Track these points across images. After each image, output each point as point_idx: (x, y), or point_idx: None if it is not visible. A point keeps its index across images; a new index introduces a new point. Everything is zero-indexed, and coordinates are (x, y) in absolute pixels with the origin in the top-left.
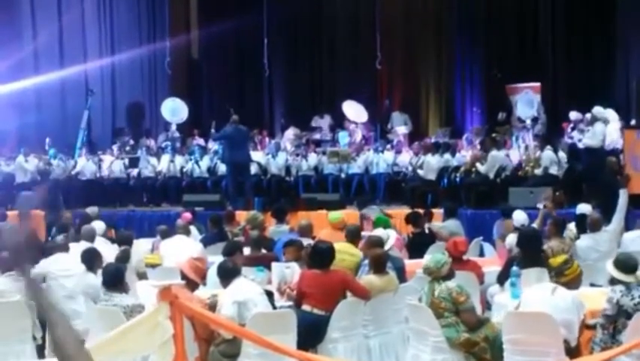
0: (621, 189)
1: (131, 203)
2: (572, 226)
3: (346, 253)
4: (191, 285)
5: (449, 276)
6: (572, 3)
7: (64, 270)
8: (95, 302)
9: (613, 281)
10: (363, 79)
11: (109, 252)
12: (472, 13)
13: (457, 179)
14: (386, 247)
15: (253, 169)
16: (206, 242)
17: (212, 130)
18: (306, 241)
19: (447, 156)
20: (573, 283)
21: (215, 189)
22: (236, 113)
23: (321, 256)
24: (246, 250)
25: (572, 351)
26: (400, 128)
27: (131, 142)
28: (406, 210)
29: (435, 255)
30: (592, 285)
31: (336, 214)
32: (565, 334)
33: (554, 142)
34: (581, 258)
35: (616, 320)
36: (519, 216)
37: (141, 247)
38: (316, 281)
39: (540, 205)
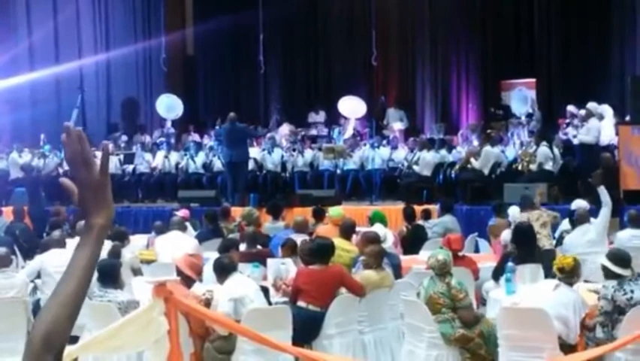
0: (598, 188)
1: (126, 199)
2: (565, 222)
3: (341, 248)
4: (187, 281)
5: (449, 272)
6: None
7: (59, 266)
8: (90, 298)
9: (608, 276)
10: (359, 75)
11: (104, 248)
12: (467, 9)
13: (453, 175)
14: (385, 245)
15: (249, 165)
16: (202, 238)
17: (217, 127)
18: (302, 237)
19: (443, 152)
20: (575, 280)
21: (211, 185)
22: (232, 110)
23: (321, 252)
24: (242, 247)
25: (567, 347)
26: (396, 125)
27: (124, 138)
28: (401, 206)
29: (441, 251)
30: (586, 281)
31: (337, 210)
32: (561, 330)
33: (550, 138)
34: (569, 251)
35: (611, 317)
36: (514, 212)
37: (136, 243)
38: (313, 278)
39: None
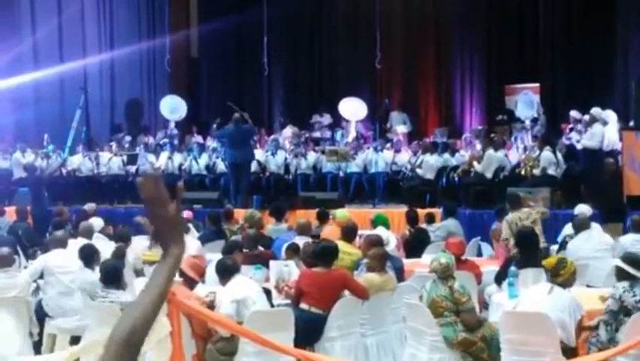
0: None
1: (129, 200)
2: (568, 227)
3: (343, 251)
4: (190, 282)
5: (452, 276)
6: (571, 4)
7: (62, 266)
8: (93, 299)
9: (620, 277)
10: (363, 78)
11: (107, 249)
12: (471, 13)
13: (456, 178)
14: (387, 248)
15: (252, 167)
16: (204, 240)
17: (214, 126)
18: (305, 239)
19: (446, 155)
20: (568, 282)
21: (214, 187)
22: (236, 112)
23: (325, 255)
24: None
25: (568, 352)
26: (400, 128)
27: (127, 138)
28: (403, 210)
29: (444, 255)
30: (588, 286)
31: (343, 212)
32: (560, 333)
33: (553, 143)
34: (572, 257)
35: (616, 317)
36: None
37: (139, 244)
38: (315, 280)
39: None
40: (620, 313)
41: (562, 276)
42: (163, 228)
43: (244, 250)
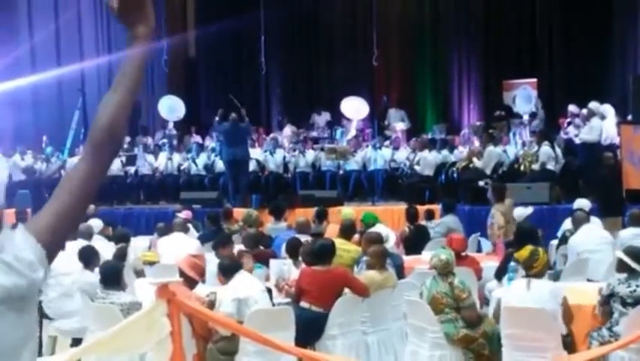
0: None
1: (128, 201)
2: (568, 222)
3: (342, 249)
4: (190, 282)
5: (452, 272)
6: None
7: (62, 268)
8: (93, 300)
9: (620, 269)
10: (361, 76)
11: (106, 250)
12: (469, 9)
13: (454, 175)
14: (387, 246)
15: (251, 166)
16: (204, 239)
17: (217, 118)
18: (305, 238)
19: (445, 152)
20: (542, 273)
21: (213, 187)
22: (234, 111)
23: (323, 253)
24: (243, 248)
25: (569, 346)
26: (398, 125)
27: (126, 139)
28: (403, 207)
29: (444, 251)
30: (588, 280)
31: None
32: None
33: (551, 138)
34: (575, 253)
35: (610, 304)
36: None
37: (139, 245)
38: (316, 278)
39: None
40: (613, 298)
41: (536, 268)
42: (128, 4)
43: (244, 250)
